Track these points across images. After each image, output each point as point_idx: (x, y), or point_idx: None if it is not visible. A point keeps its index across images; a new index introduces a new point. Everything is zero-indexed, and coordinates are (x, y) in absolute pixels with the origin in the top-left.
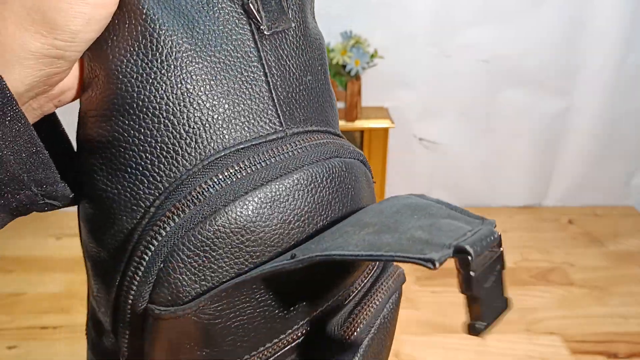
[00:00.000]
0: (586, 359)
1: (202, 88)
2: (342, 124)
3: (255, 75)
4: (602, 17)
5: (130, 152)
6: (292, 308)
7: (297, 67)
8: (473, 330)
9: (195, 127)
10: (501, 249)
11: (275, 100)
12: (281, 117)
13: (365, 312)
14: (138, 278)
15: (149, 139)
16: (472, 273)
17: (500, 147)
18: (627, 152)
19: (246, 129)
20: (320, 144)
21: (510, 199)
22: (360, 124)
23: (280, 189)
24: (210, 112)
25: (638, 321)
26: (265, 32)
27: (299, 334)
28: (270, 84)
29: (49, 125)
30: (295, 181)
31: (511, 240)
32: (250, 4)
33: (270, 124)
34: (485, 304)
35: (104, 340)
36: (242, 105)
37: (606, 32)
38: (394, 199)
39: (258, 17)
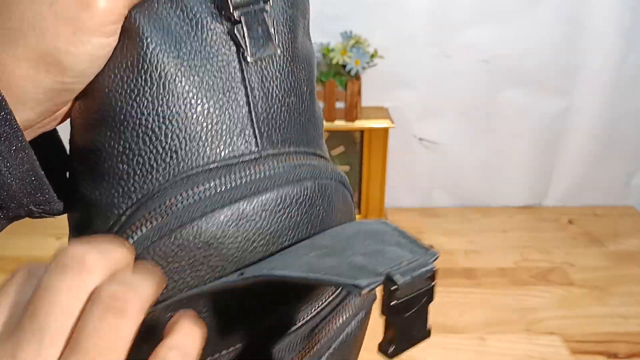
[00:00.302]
0: (586, 359)
1: (182, 107)
2: (342, 124)
3: (237, 96)
4: (601, 16)
5: (109, 162)
6: (236, 326)
7: (281, 89)
8: (383, 350)
9: (172, 144)
10: (434, 282)
11: (254, 122)
12: (258, 138)
13: (328, 328)
14: None
15: (128, 152)
16: (392, 302)
17: (500, 147)
18: (628, 152)
19: (222, 148)
20: (295, 166)
21: (510, 199)
22: (360, 124)
23: (248, 209)
24: (188, 131)
25: (638, 321)
26: (248, 59)
27: (241, 351)
28: (251, 105)
29: (48, 137)
30: (264, 201)
31: (511, 240)
32: (236, 31)
33: (246, 145)
34: (400, 330)
35: None
36: (220, 125)
37: (606, 31)
38: (357, 224)
39: (242, 44)
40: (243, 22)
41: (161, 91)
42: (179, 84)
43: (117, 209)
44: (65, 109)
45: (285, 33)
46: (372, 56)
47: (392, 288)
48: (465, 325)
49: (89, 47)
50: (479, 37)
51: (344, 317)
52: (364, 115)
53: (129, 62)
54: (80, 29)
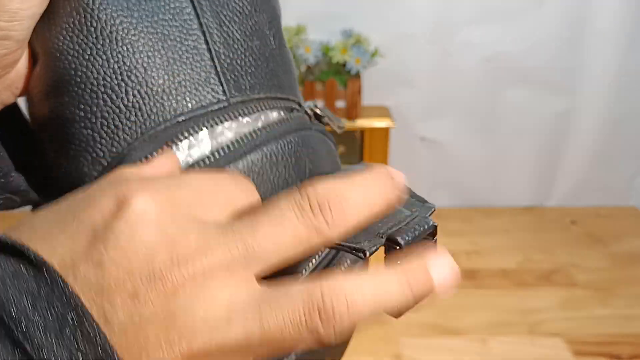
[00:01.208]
0: None
1: (139, 60)
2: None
3: (196, 43)
4: (605, 15)
5: (72, 129)
6: None
7: (241, 33)
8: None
9: (134, 100)
10: (435, 238)
11: (218, 69)
12: (224, 85)
13: None
14: None
15: (89, 115)
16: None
17: (502, 146)
18: (631, 153)
19: (187, 99)
20: (275, 122)
21: (513, 199)
22: (360, 123)
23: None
24: (149, 85)
25: None
26: None
27: None
28: (212, 51)
29: (10, 116)
30: (249, 163)
31: (514, 241)
32: None
33: (213, 94)
34: None
35: None
36: (182, 76)
37: (609, 31)
38: (345, 173)
39: None
40: None
41: (114, 47)
42: (132, 37)
43: (88, 176)
44: (17, 72)
45: None
46: (373, 55)
47: (395, 248)
48: (467, 327)
49: None
50: (481, 35)
51: (342, 269)
52: (364, 114)
53: (76, 21)
54: None
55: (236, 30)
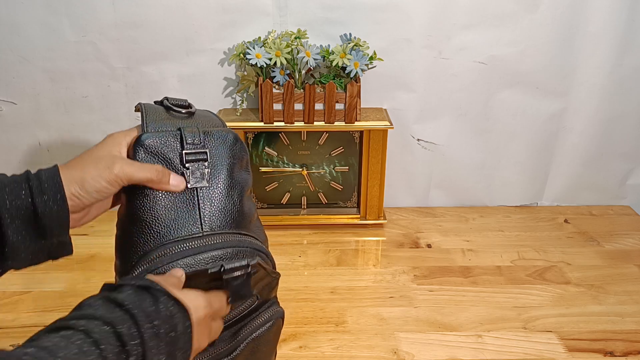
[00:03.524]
0: (582, 357)
1: (163, 214)
2: (341, 125)
3: (194, 208)
4: (597, 18)
5: (128, 233)
6: None
7: (220, 204)
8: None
9: (156, 230)
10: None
11: (200, 217)
12: (202, 226)
13: (248, 327)
14: None
15: (136, 234)
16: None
17: (497, 147)
18: (623, 153)
19: (182, 231)
20: (225, 240)
21: (507, 199)
22: (359, 125)
23: (196, 260)
24: (165, 225)
25: (634, 319)
26: (188, 186)
27: None
28: (200, 210)
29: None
30: (205, 256)
31: (508, 239)
32: (184, 174)
33: (196, 229)
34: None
35: None
36: (182, 221)
37: (602, 33)
38: None
39: (186, 179)
40: (190, 168)
41: (152, 206)
42: (161, 203)
43: (131, 259)
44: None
45: (224, 172)
46: (371, 58)
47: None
48: (462, 324)
49: (99, 185)
50: (476, 39)
51: (259, 321)
52: (363, 116)
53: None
54: (100, 176)
55: (217, 201)
